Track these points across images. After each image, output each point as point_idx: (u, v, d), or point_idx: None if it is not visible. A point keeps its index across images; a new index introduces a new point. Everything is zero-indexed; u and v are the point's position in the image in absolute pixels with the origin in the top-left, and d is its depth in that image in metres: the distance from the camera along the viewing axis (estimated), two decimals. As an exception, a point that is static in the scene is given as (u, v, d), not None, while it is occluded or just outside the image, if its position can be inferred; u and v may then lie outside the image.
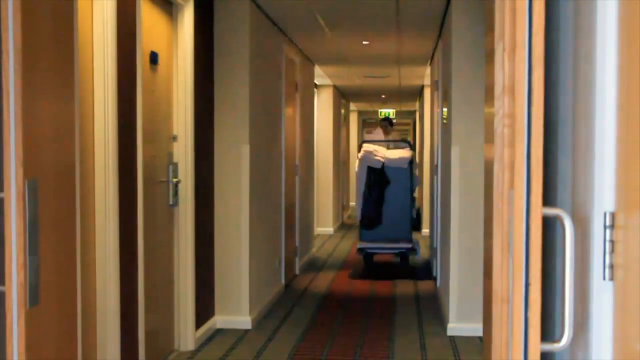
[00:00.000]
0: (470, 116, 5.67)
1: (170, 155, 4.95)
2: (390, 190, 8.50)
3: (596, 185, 1.32)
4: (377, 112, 17.80)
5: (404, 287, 7.80)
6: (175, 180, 4.93)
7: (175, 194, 4.96)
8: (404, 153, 8.69)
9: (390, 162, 8.51)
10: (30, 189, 1.87)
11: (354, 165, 19.71)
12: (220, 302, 5.83)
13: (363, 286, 7.88)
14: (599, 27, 1.31)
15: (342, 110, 14.69)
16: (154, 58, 4.58)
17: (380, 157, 8.55)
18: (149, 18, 4.50)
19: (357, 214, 8.66)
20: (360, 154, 8.73)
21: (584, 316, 1.37)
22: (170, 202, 4.92)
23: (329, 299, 7.21)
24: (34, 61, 1.93)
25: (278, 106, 7.22)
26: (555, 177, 1.69)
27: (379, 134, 10.34)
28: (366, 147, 8.74)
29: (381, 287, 7.84)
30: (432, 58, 9.02)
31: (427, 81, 11.32)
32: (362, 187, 8.55)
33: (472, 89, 5.61)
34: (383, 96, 15.05)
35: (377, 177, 8.48)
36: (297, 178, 8.62)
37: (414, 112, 18.21)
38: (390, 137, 10.34)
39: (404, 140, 10.23)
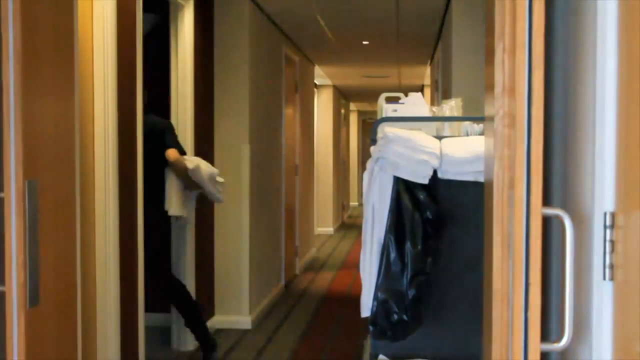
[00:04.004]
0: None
1: (170, 155, 4.94)
2: (452, 239, 2.72)
3: (596, 185, 1.32)
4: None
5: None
6: (175, 180, 4.91)
7: (175, 194, 4.94)
8: None
9: (458, 164, 2.65)
10: (30, 189, 1.87)
11: (354, 165, 19.54)
12: (220, 302, 5.83)
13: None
14: (599, 27, 1.31)
15: (342, 110, 14.70)
16: (154, 58, 4.57)
17: (429, 152, 2.66)
18: (149, 18, 4.49)
19: (364, 301, 2.67)
20: (376, 147, 2.73)
21: (584, 316, 1.37)
22: (170, 202, 4.90)
23: (329, 299, 7.21)
24: (34, 61, 1.93)
25: (278, 106, 7.22)
26: (556, 177, 1.68)
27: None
28: (391, 131, 2.70)
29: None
30: (432, 58, 9.02)
31: (427, 81, 11.32)
32: (379, 233, 2.67)
33: (472, 89, 5.61)
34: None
35: (418, 208, 2.61)
36: (297, 178, 8.62)
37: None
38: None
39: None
